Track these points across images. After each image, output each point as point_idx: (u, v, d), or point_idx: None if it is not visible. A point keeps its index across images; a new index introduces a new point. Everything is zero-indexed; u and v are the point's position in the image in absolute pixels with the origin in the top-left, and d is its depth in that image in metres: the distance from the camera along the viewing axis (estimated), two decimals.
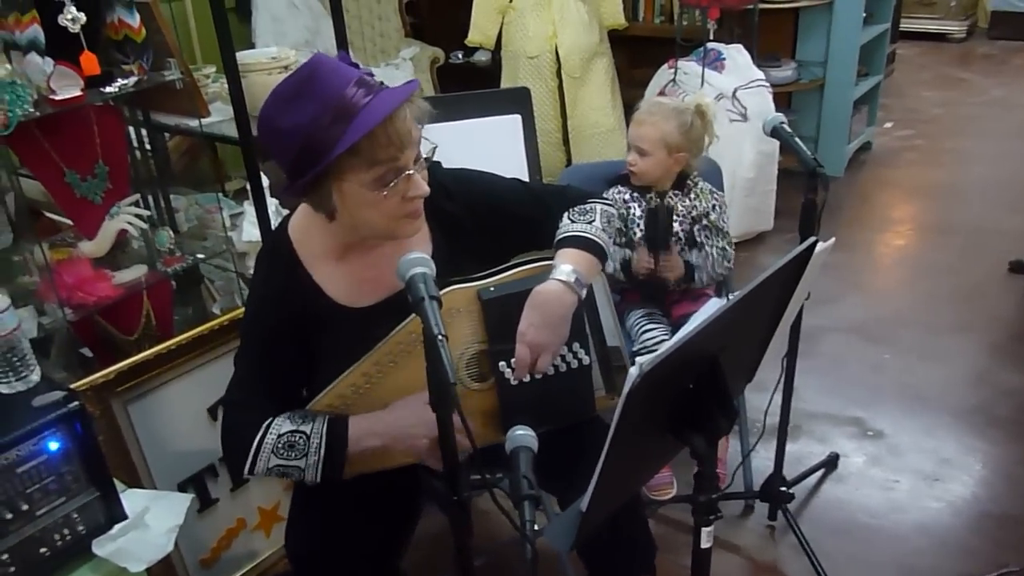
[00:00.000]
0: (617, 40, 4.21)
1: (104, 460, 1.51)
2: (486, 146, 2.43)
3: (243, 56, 2.09)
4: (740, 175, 3.63)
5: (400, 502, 1.62)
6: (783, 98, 4.34)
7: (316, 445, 1.39)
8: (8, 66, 1.66)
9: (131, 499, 1.60)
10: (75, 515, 1.48)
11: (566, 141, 4.06)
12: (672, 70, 3.88)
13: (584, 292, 1.46)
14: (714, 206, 2.18)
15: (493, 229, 1.55)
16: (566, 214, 1.56)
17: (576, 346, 1.57)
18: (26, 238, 2.17)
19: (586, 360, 1.58)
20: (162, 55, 1.83)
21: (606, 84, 4.00)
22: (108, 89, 1.72)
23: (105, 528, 1.51)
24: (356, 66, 1.32)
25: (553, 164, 4.04)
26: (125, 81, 1.74)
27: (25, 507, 1.41)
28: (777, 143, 3.70)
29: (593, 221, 1.54)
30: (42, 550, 1.44)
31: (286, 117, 1.27)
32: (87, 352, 1.99)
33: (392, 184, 1.30)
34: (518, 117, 2.41)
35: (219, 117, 2.13)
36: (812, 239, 1.39)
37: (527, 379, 1.53)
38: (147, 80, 1.79)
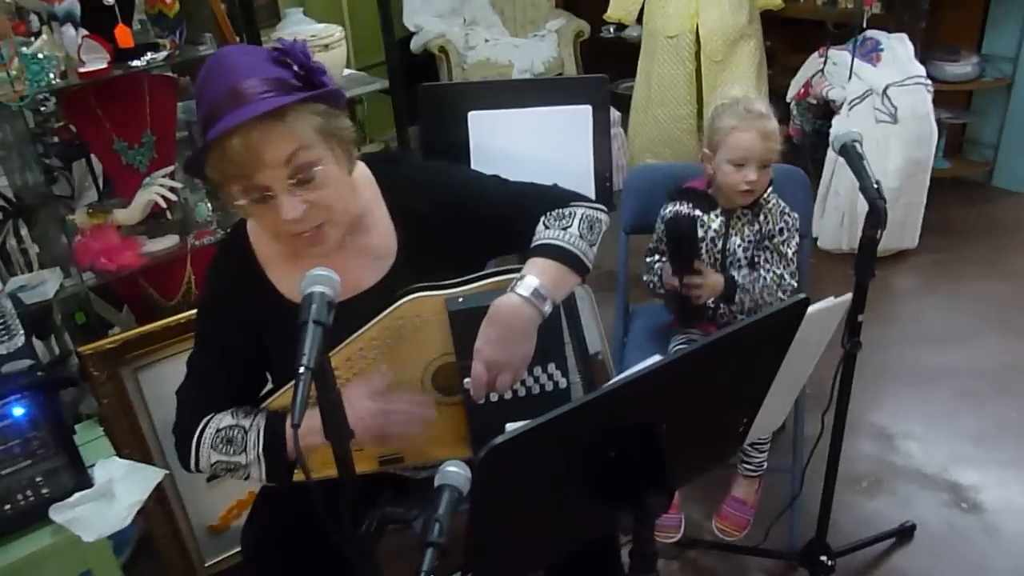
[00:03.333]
0: (774, 21, 3.83)
1: (69, 429, 1.56)
2: (551, 136, 2.27)
3: (283, 33, 2.07)
4: (883, 184, 3.18)
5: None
6: (961, 97, 3.78)
7: (253, 440, 1.35)
8: (45, 37, 1.72)
9: (104, 468, 1.64)
10: (39, 479, 1.54)
11: (701, 128, 3.78)
12: (822, 59, 3.49)
13: (547, 307, 1.31)
14: (781, 229, 1.90)
15: (464, 230, 1.42)
16: (543, 219, 1.41)
17: (552, 367, 1.42)
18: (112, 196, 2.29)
19: (563, 383, 1.43)
20: (201, 29, 1.83)
21: (751, 70, 3.65)
22: (135, 63, 1.75)
23: (70, 495, 1.56)
24: (274, 54, 1.23)
25: (685, 153, 3.77)
26: (155, 55, 1.76)
27: None
28: (932, 147, 3.24)
29: (569, 227, 1.38)
30: (6, 507, 1.52)
31: (197, 104, 1.24)
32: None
33: (258, 200, 1.21)
34: (588, 107, 2.22)
35: None
36: (802, 296, 1.16)
37: (495, 398, 1.41)
38: (179, 55, 1.80)
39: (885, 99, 3.15)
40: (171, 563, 2.02)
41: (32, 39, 1.81)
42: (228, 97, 1.16)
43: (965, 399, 2.60)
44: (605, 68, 4.69)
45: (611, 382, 1.05)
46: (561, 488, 1.09)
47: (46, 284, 1.79)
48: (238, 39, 1.90)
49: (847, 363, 1.66)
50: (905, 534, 2.11)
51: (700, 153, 2.00)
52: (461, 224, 1.41)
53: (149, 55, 1.75)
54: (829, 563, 1.88)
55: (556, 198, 1.44)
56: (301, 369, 1.02)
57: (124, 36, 1.74)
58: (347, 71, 2.33)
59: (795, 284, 1.91)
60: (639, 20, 3.87)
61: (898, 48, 3.27)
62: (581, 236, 1.37)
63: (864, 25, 3.27)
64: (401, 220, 1.41)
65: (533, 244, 1.37)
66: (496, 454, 0.91)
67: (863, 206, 3.22)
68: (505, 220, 1.42)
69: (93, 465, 1.64)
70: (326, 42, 2.06)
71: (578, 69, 4.56)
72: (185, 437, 1.38)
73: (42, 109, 2.17)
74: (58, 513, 1.53)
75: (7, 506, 1.52)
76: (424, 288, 1.34)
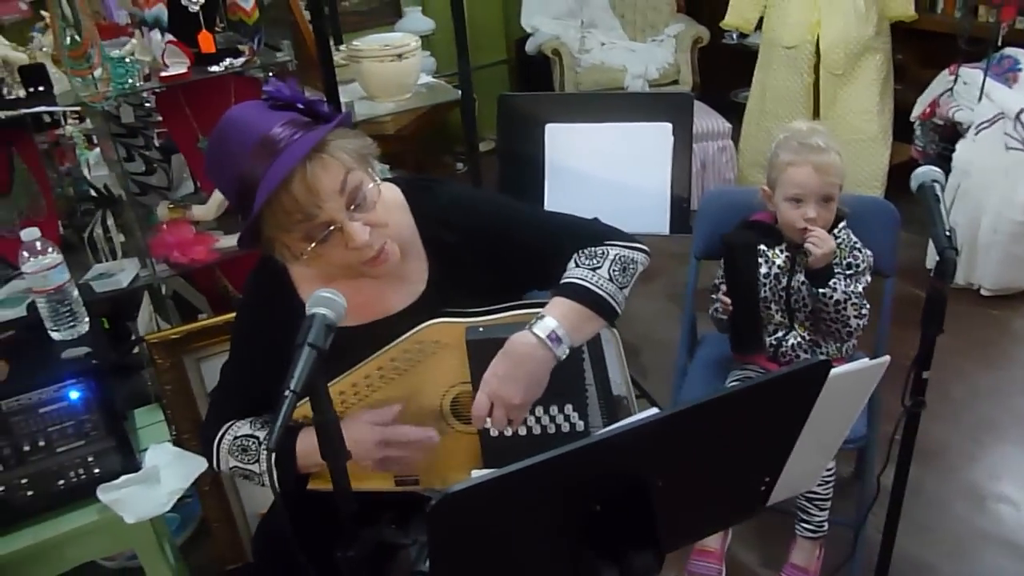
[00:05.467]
0: (906, 34, 3.59)
1: (120, 415, 1.64)
2: (629, 153, 2.21)
3: (359, 42, 2.10)
4: (1007, 216, 2.93)
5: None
6: None
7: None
8: (134, 41, 1.81)
9: (154, 453, 1.73)
10: (91, 459, 1.64)
11: None
12: (952, 77, 3.23)
13: (563, 350, 1.27)
14: (848, 264, 1.76)
15: (496, 264, 1.40)
16: (575, 256, 1.37)
17: (569, 408, 1.39)
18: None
19: (580, 425, 1.39)
20: (280, 36, 1.89)
21: (875, 84, 3.44)
22: (213, 68, 1.82)
23: (118, 476, 1.65)
24: (284, 101, 1.22)
25: None
26: (234, 61, 1.83)
27: (43, 443, 1.59)
28: None
29: (599, 268, 1.34)
30: (59, 482, 1.62)
31: (218, 179, 1.28)
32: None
33: (323, 239, 1.22)
34: (668, 126, 2.14)
35: (344, 97, 2.15)
36: (823, 359, 1.07)
37: (508, 433, 1.38)
38: (255, 61, 1.86)
39: (1018, 124, 2.88)
40: (224, 545, 2.11)
41: (132, 39, 1.92)
42: (261, 149, 1.17)
43: None
44: (723, 76, 4.57)
45: (598, 433, 1.00)
46: (537, 540, 1.05)
47: (123, 273, 1.90)
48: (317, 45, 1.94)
49: (909, 422, 1.53)
50: None
51: None
52: (493, 257, 1.39)
53: (228, 60, 1.82)
54: None
55: (594, 234, 1.40)
56: (287, 392, 1.04)
57: (207, 42, 1.82)
58: (427, 78, 2.35)
59: (866, 317, 1.77)
60: (759, 27, 3.71)
61: None
62: (611, 279, 1.33)
63: (1000, 42, 3.00)
64: (431, 249, 1.41)
65: (560, 282, 1.34)
66: (449, 505, 0.88)
67: (985, 239, 2.99)
68: (538, 255, 1.40)
69: (146, 449, 1.73)
70: (400, 51, 2.08)
71: (694, 76, 4.43)
72: (208, 440, 1.44)
73: (146, 104, 2.31)
74: (104, 493, 1.62)
75: (60, 481, 1.62)
76: (449, 314, 1.34)
